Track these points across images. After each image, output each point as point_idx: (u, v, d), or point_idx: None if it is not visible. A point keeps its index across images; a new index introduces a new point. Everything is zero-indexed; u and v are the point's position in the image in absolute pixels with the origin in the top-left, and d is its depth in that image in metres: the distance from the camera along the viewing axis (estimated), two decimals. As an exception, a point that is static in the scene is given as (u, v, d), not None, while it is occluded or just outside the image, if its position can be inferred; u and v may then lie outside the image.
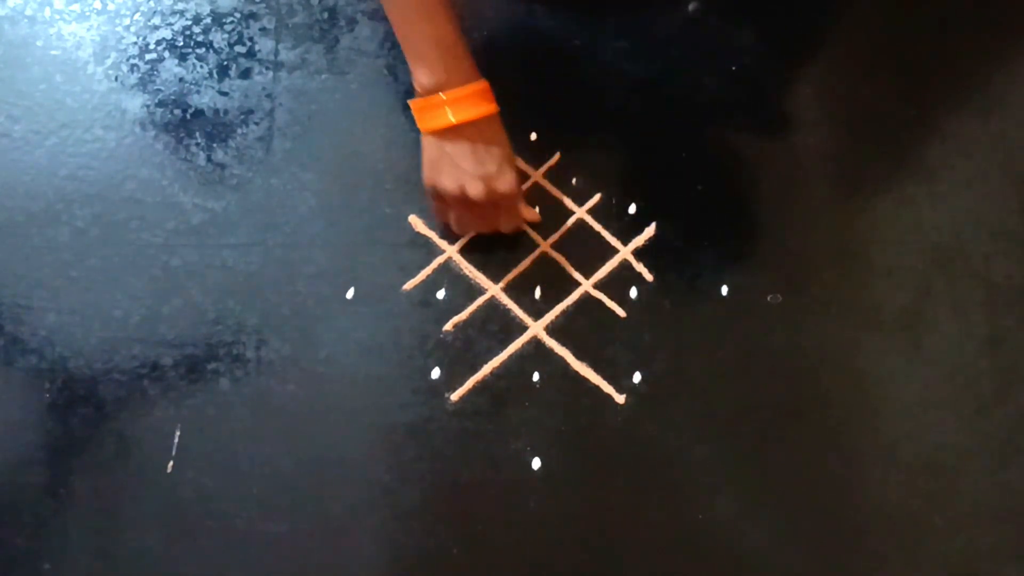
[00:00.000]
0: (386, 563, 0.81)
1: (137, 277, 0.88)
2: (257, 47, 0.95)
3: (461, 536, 0.81)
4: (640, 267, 0.87)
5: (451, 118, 0.77)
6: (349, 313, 0.86)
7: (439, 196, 0.82)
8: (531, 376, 0.84)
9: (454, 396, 0.84)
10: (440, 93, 0.77)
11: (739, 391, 0.84)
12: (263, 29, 0.95)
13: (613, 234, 0.88)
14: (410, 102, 0.80)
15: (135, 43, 0.95)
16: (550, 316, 0.86)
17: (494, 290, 0.87)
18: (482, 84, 0.79)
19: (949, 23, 0.93)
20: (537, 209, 0.87)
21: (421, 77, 0.78)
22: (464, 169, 0.79)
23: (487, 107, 0.79)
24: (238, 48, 0.95)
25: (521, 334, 0.85)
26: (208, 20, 0.96)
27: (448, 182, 0.80)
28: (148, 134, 0.92)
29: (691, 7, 0.93)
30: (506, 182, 0.81)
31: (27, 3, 0.96)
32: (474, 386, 0.84)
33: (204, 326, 0.86)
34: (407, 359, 0.85)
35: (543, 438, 0.83)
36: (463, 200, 0.81)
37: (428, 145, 0.81)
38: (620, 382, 0.84)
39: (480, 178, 0.80)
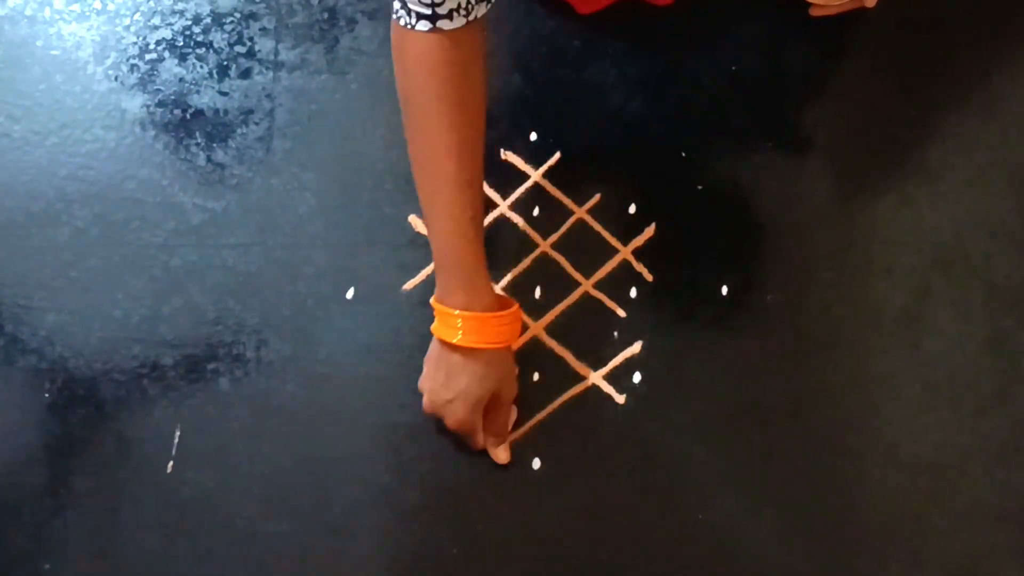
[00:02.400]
0: (386, 563, 0.81)
1: (137, 277, 0.88)
2: (257, 47, 0.95)
3: (461, 536, 0.81)
4: (640, 267, 0.87)
5: (459, 335, 0.75)
6: (349, 313, 0.86)
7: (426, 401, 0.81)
8: (531, 376, 0.84)
9: (454, 396, 0.84)
10: (455, 310, 0.75)
11: (739, 391, 0.84)
12: (263, 29, 0.95)
13: (613, 234, 0.88)
14: (431, 301, 0.78)
15: (135, 43, 0.95)
16: (550, 316, 0.86)
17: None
18: (509, 313, 0.77)
19: (949, 23, 0.93)
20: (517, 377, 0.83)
21: (441, 284, 0.77)
22: (427, 378, 0.79)
23: (499, 342, 0.77)
24: (238, 48, 0.95)
25: (521, 334, 0.85)
26: (208, 20, 0.96)
27: (421, 382, 0.80)
28: (148, 134, 0.92)
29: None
30: (453, 413, 0.78)
31: (27, 3, 0.96)
32: (475, 386, 0.84)
33: (204, 326, 0.86)
34: (407, 359, 0.85)
35: (543, 438, 0.83)
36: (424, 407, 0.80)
37: (432, 346, 0.80)
38: (620, 382, 0.84)
39: (431, 393, 0.79)
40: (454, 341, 0.75)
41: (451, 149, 0.73)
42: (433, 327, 0.78)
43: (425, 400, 0.80)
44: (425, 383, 0.80)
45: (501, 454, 0.81)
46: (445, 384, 0.78)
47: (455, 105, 0.72)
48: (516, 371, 0.82)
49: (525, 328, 0.85)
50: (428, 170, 0.75)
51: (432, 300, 0.78)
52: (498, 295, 0.79)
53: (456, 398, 0.78)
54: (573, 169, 0.90)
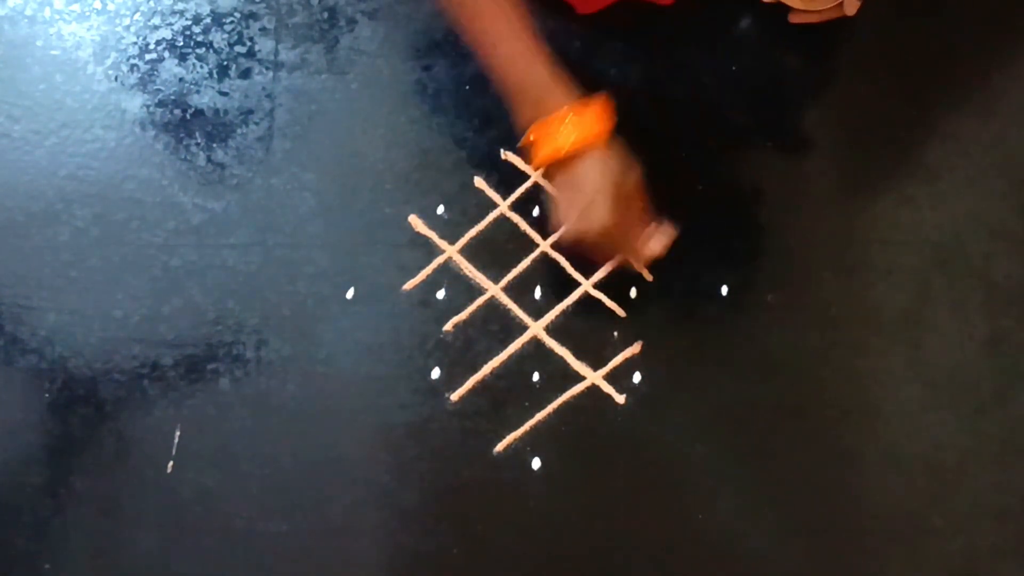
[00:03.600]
0: (386, 563, 0.81)
1: (137, 277, 0.88)
2: (257, 47, 0.95)
3: (461, 536, 0.81)
4: (640, 267, 0.87)
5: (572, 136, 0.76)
6: (349, 313, 0.86)
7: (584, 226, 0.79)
8: (531, 376, 0.84)
9: (454, 396, 0.84)
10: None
11: (739, 391, 0.84)
12: (263, 29, 0.95)
13: (613, 234, 0.88)
14: (529, 129, 0.79)
15: (135, 43, 0.95)
16: (550, 316, 0.86)
17: (494, 290, 0.87)
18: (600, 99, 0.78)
19: (949, 23, 0.93)
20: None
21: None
22: (567, 201, 0.79)
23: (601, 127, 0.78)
24: (238, 48, 0.95)
25: (521, 334, 0.85)
26: (208, 20, 0.96)
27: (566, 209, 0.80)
28: (148, 134, 0.92)
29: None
30: (599, 216, 0.78)
31: (27, 3, 0.96)
32: (474, 386, 0.84)
33: (204, 326, 0.86)
34: (407, 359, 0.85)
35: (543, 438, 0.83)
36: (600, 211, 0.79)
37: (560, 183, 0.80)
38: (620, 382, 0.84)
39: (574, 208, 0.78)
40: (569, 143, 0.76)
41: None
42: (539, 159, 0.78)
43: (574, 228, 0.78)
44: (564, 213, 0.78)
45: (655, 244, 0.80)
46: (577, 195, 0.77)
47: None
48: (628, 155, 0.80)
49: (525, 327, 0.85)
50: (494, 14, 0.77)
51: (527, 138, 0.79)
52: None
53: (595, 198, 0.77)
54: (573, 169, 0.90)
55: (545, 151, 0.78)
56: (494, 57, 0.78)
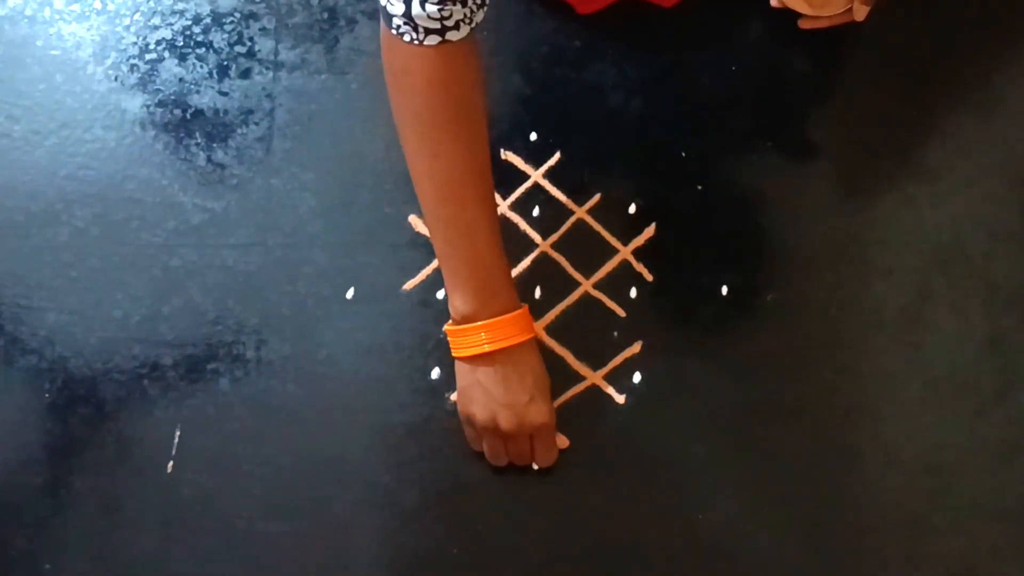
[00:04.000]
0: (386, 563, 0.81)
1: (137, 277, 0.88)
2: (257, 47, 0.95)
3: (461, 536, 0.81)
4: (640, 267, 0.87)
5: (485, 347, 0.75)
6: (349, 313, 0.86)
7: (472, 424, 0.79)
8: (531, 376, 0.84)
9: (454, 396, 0.84)
10: (477, 321, 0.76)
11: (739, 391, 0.84)
12: (263, 29, 0.95)
13: (613, 234, 0.88)
14: (446, 328, 0.79)
15: (135, 43, 0.95)
16: (550, 316, 0.86)
17: (494, 290, 0.87)
18: (521, 311, 0.77)
19: (949, 23, 0.93)
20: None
21: (456, 303, 0.76)
22: (495, 398, 0.77)
23: (523, 335, 0.77)
24: (238, 48, 0.95)
25: (521, 334, 0.85)
26: (208, 20, 0.96)
27: (479, 411, 0.77)
28: (148, 134, 0.92)
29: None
30: (539, 413, 0.78)
31: (27, 3, 0.96)
32: (475, 385, 0.84)
33: (204, 326, 0.86)
34: (407, 359, 0.85)
35: (543, 438, 0.83)
36: (494, 430, 0.78)
37: (461, 373, 0.79)
38: (620, 382, 0.84)
39: (510, 407, 0.77)
40: (487, 350, 0.75)
41: (475, 165, 0.73)
42: (456, 352, 0.78)
43: (503, 421, 0.77)
44: (480, 411, 0.77)
45: (561, 441, 0.81)
46: (513, 391, 0.77)
47: (472, 119, 0.72)
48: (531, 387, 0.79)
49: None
50: (450, 191, 0.74)
51: (446, 328, 0.79)
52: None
53: (534, 394, 0.77)
54: (573, 169, 0.90)
55: (464, 352, 0.77)
56: (445, 237, 0.76)
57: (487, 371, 0.77)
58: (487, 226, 0.75)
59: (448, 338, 0.79)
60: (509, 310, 0.77)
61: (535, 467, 0.81)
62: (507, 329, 0.76)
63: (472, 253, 0.75)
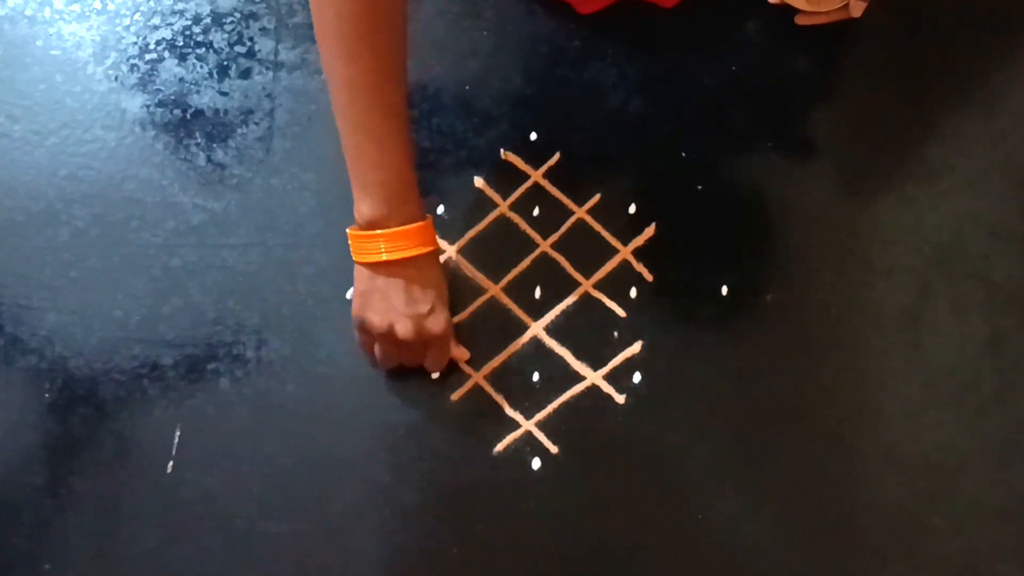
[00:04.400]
0: (386, 563, 0.81)
1: (137, 277, 0.88)
2: (257, 47, 0.95)
3: (461, 536, 0.81)
4: (640, 267, 0.87)
5: (383, 255, 0.76)
6: (349, 313, 0.86)
7: (365, 329, 0.79)
8: (531, 376, 0.84)
9: (454, 396, 0.84)
10: (378, 229, 0.76)
11: (739, 391, 0.84)
12: (263, 29, 0.95)
13: (613, 234, 0.88)
14: (348, 231, 0.78)
15: (135, 43, 0.95)
16: (550, 316, 0.86)
17: (494, 290, 0.87)
18: (424, 224, 0.77)
19: (949, 24, 0.93)
20: (463, 348, 0.84)
21: (362, 208, 0.76)
22: (394, 306, 0.77)
23: (424, 247, 0.77)
24: (238, 48, 0.95)
25: (521, 334, 0.85)
26: (208, 20, 0.96)
27: (376, 318, 0.77)
28: (148, 134, 0.92)
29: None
30: (437, 323, 0.78)
31: (27, 3, 0.96)
32: (474, 386, 0.84)
33: (204, 326, 0.86)
34: (407, 359, 0.85)
35: (543, 438, 0.83)
36: (390, 337, 0.78)
37: (360, 277, 0.79)
38: (620, 382, 0.84)
39: (410, 317, 0.77)
40: (385, 259, 0.76)
41: (392, 72, 0.74)
42: (356, 256, 0.78)
43: (401, 329, 0.77)
44: (376, 318, 0.78)
45: (459, 351, 0.82)
46: (414, 301, 0.77)
47: (392, 25, 0.73)
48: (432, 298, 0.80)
49: (525, 327, 0.85)
50: (364, 95, 0.74)
51: (348, 230, 0.78)
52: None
53: (434, 305, 0.78)
54: (573, 169, 0.90)
55: (396, 254, 0.77)
56: (349, 138, 0.76)
57: (388, 280, 0.77)
58: (397, 134, 0.76)
59: (349, 241, 0.78)
60: (412, 221, 0.77)
61: (431, 375, 0.82)
62: (409, 240, 0.76)
63: (380, 159, 0.75)
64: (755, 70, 0.93)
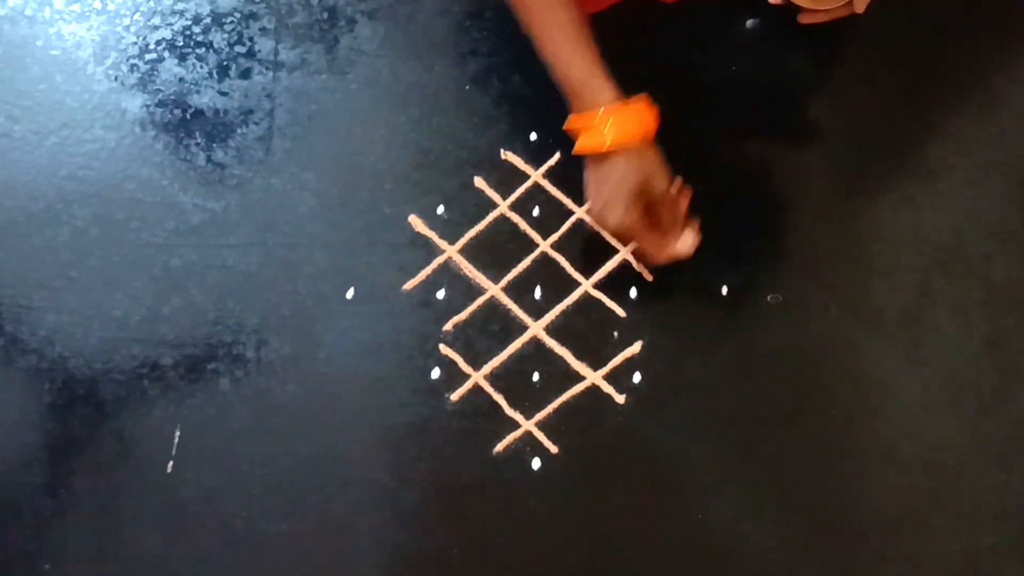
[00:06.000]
0: (386, 563, 0.81)
1: (137, 277, 0.88)
2: (257, 47, 0.95)
3: (461, 536, 0.81)
4: (640, 267, 0.87)
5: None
6: (349, 313, 0.86)
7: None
8: (531, 376, 0.84)
9: (454, 396, 0.84)
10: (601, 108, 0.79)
11: (739, 391, 0.84)
12: (263, 29, 0.95)
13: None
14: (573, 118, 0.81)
15: (135, 43, 0.95)
16: (550, 316, 0.86)
17: (494, 290, 0.87)
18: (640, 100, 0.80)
19: (949, 24, 0.93)
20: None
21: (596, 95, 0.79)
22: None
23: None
24: (238, 48, 0.95)
25: (521, 334, 0.85)
26: (208, 20, 0.96)
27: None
28: (148, 134, 0.92)
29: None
30: (611, 216, 0.81)
31: (27, 3, 0.96)
32: (474, 386, 0.84)
33: (204, 326, 0.86)
34: (407, 359, 0.85)
35: (543, 438, 0.83)
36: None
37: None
38: (620, 382, 0.84)
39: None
40: (604, 146, 0.78)
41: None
42: (579, 147, 0.80)
43: (593, 215, 0.83)
44: (587, 198, 0.83)
45: (682, 246, 0.82)
46: (597, 192, 0.81)
47: None
48: (663, 164, 0.81)
49: (525, 327, 0.85)
50: (542, 10, 0.80)
51: (567, 125, 0.81)
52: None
53: (608, 200, 0.80)
54: (573, 169, 0.90)
55: (584, 143, 0.80)
56: (542, 48, 0.81)
57: (589, 173, 0.82)
58: (579, 36, 0.79)
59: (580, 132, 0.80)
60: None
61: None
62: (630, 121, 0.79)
63: (567, 59, 0.80)
64: (754, 70, 0.93)
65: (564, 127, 0.81)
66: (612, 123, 0.78)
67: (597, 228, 0.85)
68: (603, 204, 0.80)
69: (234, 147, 0.92)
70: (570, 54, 0.79)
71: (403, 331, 0.86)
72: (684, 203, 0.84)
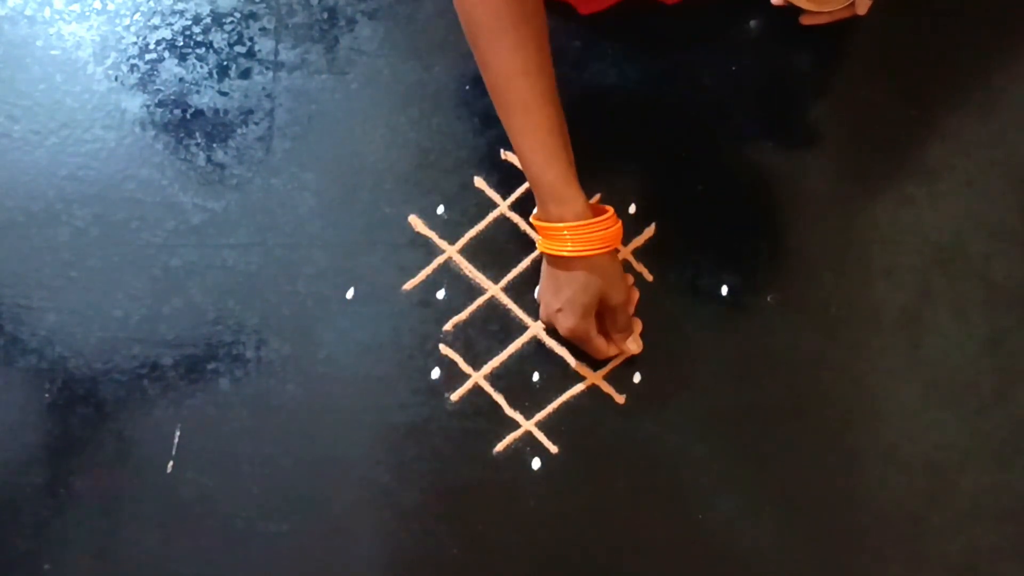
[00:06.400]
0: (386, 563, 0.81)
1: (137, 277, 0.88)
2: (257, 47, 0.95)
3: (461, 536, 0.81)
4: (640, 267, 0.87)
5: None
6: (349, 313, 0.86)
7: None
8: (531, 376, 0.84)
9: (454, 396, 0.84)
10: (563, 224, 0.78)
11: (739, 391, 0.84)
12: (263, 29, 0.95)
13: (613, 234, 0.88)
14: (535, 222, 0.81)
15: (135, 43, 0.95)
16: (550, 316, 0.86)
17: (494, 290, 0.87)
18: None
19: (949, 23, 0.93)
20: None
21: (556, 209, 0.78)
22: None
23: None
24: (238, 48, 0.95)
25: (521, 334, 0.85)
26: (208, 20, 0.96)
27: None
28: (148, 134, 0.92)
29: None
30: (565, 320, 0.81)
31: (27, 3, 0.96)
32: (474, 386, 0.84)
33: (204, 326, 0.86)
34: (407, 359, 0.85)
35: (543, 438, 0.83)
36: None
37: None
38: (620, 382, 0.84)
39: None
40: (565, 253, 0.78)
41: (519, 69, 0.76)
42: (540, 244, 0.81)
43: (541, 311, 0.84)
44: (540, 295, 0.84)
45: (631, 346, 0.83)
46: (554, 295, 0.81)
47: (520, 23, 0.75)
48: (623, 275, 0.82)
49: (525, 327, 0.85)
50: (501, 91, 0.78)
51: (532, 218, 0.81)
52: (592, 204, 0.80)
53: (564, 307, 0.80)
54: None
55: (547, 247, 0.80)
56: (518, 146, 0.79)
57: (548, 269, 0.82)
58: (538, 129, 0.78)
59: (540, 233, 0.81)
60: (579, 215, 0.78)
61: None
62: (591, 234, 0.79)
63: (527, 152, 0.78)
64: (755, 70, 0.93)
65: (531, 219, 0.82)
66: (577, 237, 0.77)
67: (545, 325, 0.85)
68: (558, 308, 0.80)
69: (234, 147, 0.92)
70: (545, 161, 0.77)
71: (403, 331, 0.86)
72: (634, 302, 0.84)
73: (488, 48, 0.77)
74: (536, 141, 0.78)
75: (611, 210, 0.80)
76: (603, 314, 0.82)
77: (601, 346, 0.82)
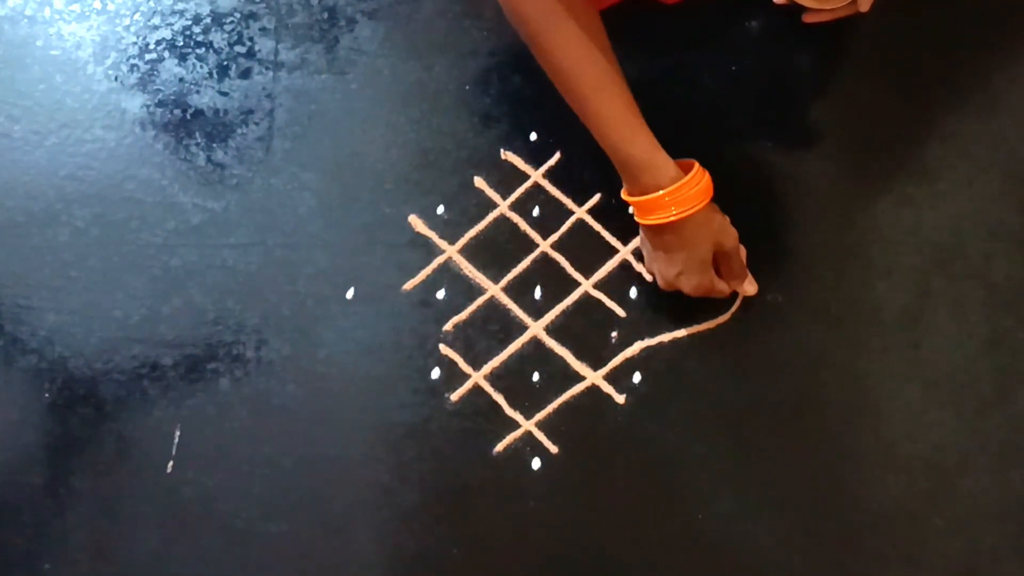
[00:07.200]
0: (386, 563, 0.81)
1: (137, 277, 0.88)
2: (257, 47, 0.95)
3: (461, 536, 0.81)
4: (640, 267, 0.87)
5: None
6: (349, 313, 0.86)
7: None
8: (531, 376, 0.84)
9: (454, 396, 0.84)
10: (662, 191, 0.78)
11: (739, 391, 0.84)
12: (263, 29, 0.95)
13: (613, 234, 0.88)
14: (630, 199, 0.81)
15: (135, 43, 0.95)
16: (550, 316, 0.86)
17: (494, 290, 0.87)
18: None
19: (949, 23, 0.93)
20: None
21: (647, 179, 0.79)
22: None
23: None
24: (238, 48, 0.95)
25: (521, 334, 0.85)
26: (208, 20, 0.96)
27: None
28: (148, 134, 0.92)
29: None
30: (689, 281, 0.82)
31: (27, 3, 0.96)
32: (474, 386, 0.84)
33: (204, 326, 0.86)
34: (407, 359, 0.85)
35: (543, 438, 0.83)
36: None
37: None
38: (620, 382, 0.84)
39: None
40: (671, 218, 0.78)
41: (583, 56, 0.78)
42: (640, 218, 0.81)
43: (659, 280, 0.83)
44: (652, 265, 0.84)
45: (748, 288, 0.84)
46: (668, 263, 0.81)
47: (572, 13, 0.77)
48: (726, 219, 0.82)
49: (525, 327, 0.85)
50: (570, 81, 0.79)
51: (624, 195, 0.81)
52: (676, 161, 0.81)
53: (683, 269, 0.81)
54: (573, 169, 0.90)
55: (647, 221, 0.80)
56: (599, 127, 0.80)
57: (652, 240, 0.83)
58: (615, 108, 0.79)
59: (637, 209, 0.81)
60: (675, 177, 0.78)
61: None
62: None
63: (609, 133, 0.79)
64: (755, 70, 0.93)
65: (623, 197, 0.81)
66: (678, 199, 0.78)
67: (665, 288, 0.84)
68: (679, 271, 0.81)
69: (234, 147, 0.92)
70: (631, 136, 0.79)
71: (403, 331, 0.86)
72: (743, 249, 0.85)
73: (547, 42, 0.78)
74: (616, 120, 0.79)
75: (695, 162, 0.80)
76: (717, 261, 0.82)
77: (725, 289, 0.83)
